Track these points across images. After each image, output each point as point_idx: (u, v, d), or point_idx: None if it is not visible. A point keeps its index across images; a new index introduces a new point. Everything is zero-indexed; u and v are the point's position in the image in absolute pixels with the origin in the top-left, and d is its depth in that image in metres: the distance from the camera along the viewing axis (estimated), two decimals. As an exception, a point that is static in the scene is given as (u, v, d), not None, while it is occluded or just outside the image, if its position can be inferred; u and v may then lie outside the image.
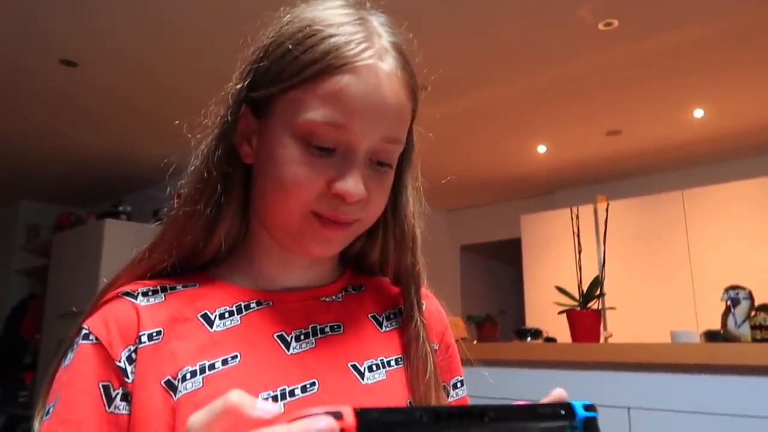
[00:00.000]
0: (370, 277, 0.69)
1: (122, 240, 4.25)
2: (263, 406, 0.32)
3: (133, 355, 0.54)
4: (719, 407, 1.61)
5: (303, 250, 0.58)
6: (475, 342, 2.50)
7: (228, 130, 0.59)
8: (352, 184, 0.54)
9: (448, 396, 0.66)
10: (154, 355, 0.54)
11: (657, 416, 1.71)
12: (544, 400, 0.43)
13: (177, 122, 0.66)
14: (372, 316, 0.65)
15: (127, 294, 0.58)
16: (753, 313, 1.81)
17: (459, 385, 0.68)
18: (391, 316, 0.66)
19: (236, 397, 0.32)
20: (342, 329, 0.61)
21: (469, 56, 3.00)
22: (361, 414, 0.29)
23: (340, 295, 0.65)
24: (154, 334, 0.55)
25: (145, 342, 0.54)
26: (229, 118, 0.58)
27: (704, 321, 3.63)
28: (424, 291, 0.68)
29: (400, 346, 0.63)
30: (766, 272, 3.87)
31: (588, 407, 0.38)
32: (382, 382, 0.59)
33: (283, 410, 0.32)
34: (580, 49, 2.97)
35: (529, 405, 0.36)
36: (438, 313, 0.70)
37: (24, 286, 5.44)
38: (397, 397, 0.59)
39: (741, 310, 1.80)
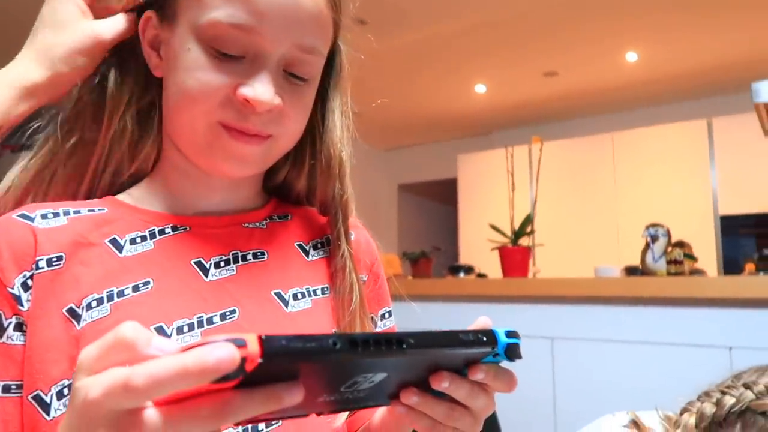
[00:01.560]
0: (297, 206, 0.66)
1: None
2: (158, 344, 0.29)
3: (29, 282, 0.49)
4: (637, 336, 1.71)
5: (214, 167, 0.54)
6: (409, 278, 2.55)
7: (131, 40, 0.55)
8: (260, 89, 0.50)
9: (375, 327, 0.65)
10: (53, 282, 0.50)
11: (578, 345, 1.81)
12: (469, 328, 0.41)
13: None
14: (298, 245, 0.62)
15: (23, 216, 0.52)
16: (669, 248, 1.91)
17: (387, 315, 0.67)
18: (318, 245, 0.63)
19: (129, 331, 0.29)
20: (266, 256, 0.58)
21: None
22: (267, 341, 0.27)
23: (264, 222, 0.61)
24: (54, 259, 0.51)
25: (43, 267, 0.50)
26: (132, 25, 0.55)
27: (627, 257, 3.85)
28: (353, 221, 0.66)
29: (327, 275, 0.61)
30: (684, 211, 4.12)
31: (510, 334, 0.38)
32: (307, 310, 0.57)
33: (180, 346, 0.29)
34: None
35: (451, 332, 0.35)
36: (367, 243, 0.67)
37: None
38: (322, 326, 0.57)
39: (659, 246, 1.90)
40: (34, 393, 0.47)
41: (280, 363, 0.27)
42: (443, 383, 0.37)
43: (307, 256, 0.62)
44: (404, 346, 0.32)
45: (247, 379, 0.27)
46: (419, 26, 3.39)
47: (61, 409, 0.47)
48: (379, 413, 0.54)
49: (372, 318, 0.65)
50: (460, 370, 0.38)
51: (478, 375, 0.38)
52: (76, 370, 0.31)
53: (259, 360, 0.26)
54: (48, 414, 0.47)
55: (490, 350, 0.37)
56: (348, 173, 0.62)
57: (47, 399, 0.47)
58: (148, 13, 0.55)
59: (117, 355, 0.29)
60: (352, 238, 0.64)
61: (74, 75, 0.55)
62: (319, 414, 0.37)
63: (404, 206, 6.38)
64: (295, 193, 0.66)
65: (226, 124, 0.51)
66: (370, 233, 0.69)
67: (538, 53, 3.86)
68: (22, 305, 0.49)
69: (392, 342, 0.31)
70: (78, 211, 0.55)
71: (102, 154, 0.57)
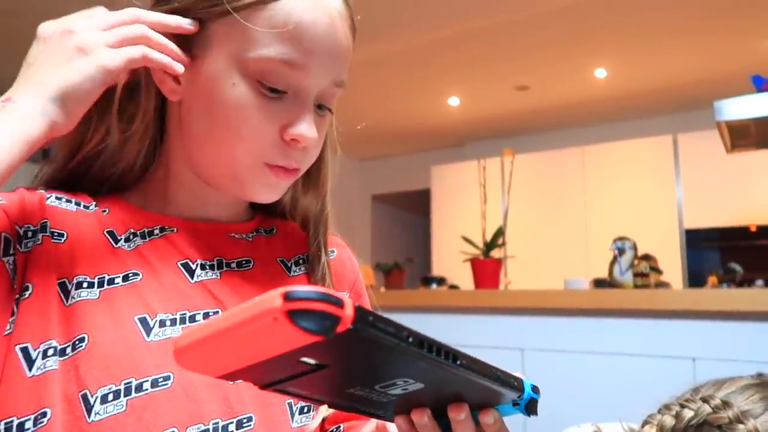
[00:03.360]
0: (281, 220, 0.68)
1: None
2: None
3: (29, 233, 0.51)
4: (604, 347, 1.75)
5: (246, 194, 0.57)
6: (382, 289, 2.55)
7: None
8: (306, 128, 0.52)
9: None
10: (52, 253, 0.51)
11: (548, 356, 1.84)
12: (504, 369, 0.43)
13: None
14: (281, 260, 0.63)
15: (38, 190, 0.55)
16: (636, 261, 1.96)
17: None
18: (300, 261, 0.65)
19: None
20: (251, 265, 0.60)
21: (387, 1, 2.94)
22: (360, 311, 0.26)
23: (250, 235, 0.63)
24: (56, 233, 0.52)
25: (47, 233, 0.52)
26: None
27: (595, 269, 3.91)
28: (337, 240, 0.69)
29: None
30: (650, 224, 4.21)
31: (535, 389, 0.39)
32: None
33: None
34: (494, 3, 2.99)
35: (494, 366, 0.36)
36: (350, 261, 0.69)
37: None
38: None
39: (626, 259, 1.95)
40: (23, 345, 0.48)
41: (359, 337, 0.27)
42: (461, 415, 0.38)
43: (289, 272, 0.63)
44: (458, 362, 0.32)
45: (325, 346, 0.26)
46: (393, 39, 3.42)
47: (41, 369, 0.47)
48: (370, 426, 0.54)
49: None
50: (473, 410, 0.39)
51: (488, 418, 0.38)
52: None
53: (350, 326, 0.26)
54: (30, 370, 0.47)
55: (516, 396, 0.37)
56: (328, 189, 0.65)
57: (33, 355, 0.47)
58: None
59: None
60: (335, 255, 0.66)
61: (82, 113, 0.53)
62: (335, 407, 0.38)
63: (378, 217, 6.39)
64: (280, 208, 0.68)
65: (272, 164, 0.54)
66: (352, 251, 0.71)
67: (511, 68, 3.92)
68: (20, 246, 0.50)
69: (450, 354, 0.32)
70: (87, 207, 0.56)
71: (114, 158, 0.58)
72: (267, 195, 0.57)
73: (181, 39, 0.53)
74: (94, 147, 0.57)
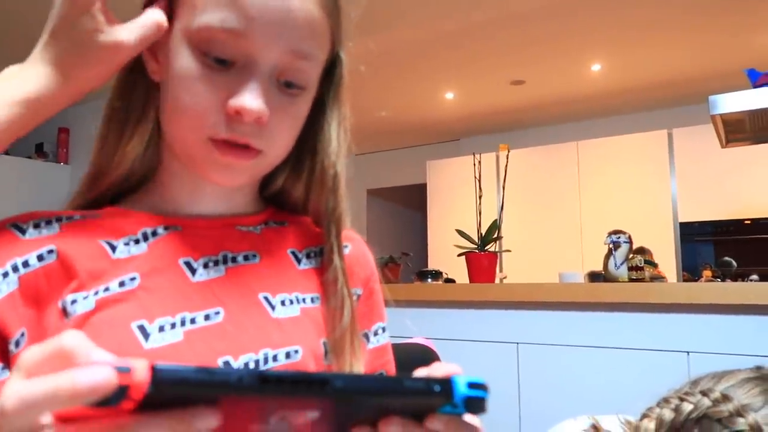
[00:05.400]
0: (293, 215, 0.65)
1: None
2: (99, 356, 0.28)
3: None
4: (599, 341, 1.75)
5: (206, 177, 0.55)
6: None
7: None
8: (248, 99, 0.49)
9: (368, 342, 0.64)
10: (47, 277, 0.50)
11: (542, 350, 1.84)
12: (426, 374, 0.37)
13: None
14: (291, 252, 0.61)
15: (14, 225, 0.52)
16: (631, 255, 1.96)
17: (380, 332, 0.66)
18: (312, 254, 0.62)
19: (69, 341, 0.29)
20: (258, 259, 0.58)
21: (380, -5, 2.93)
22: (159, 371, 0.26)
23: (259, 227, 0.61)
24: (45, 253, 0.51)
25: (32, 265, 0.50)
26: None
27: (590, 262, 3.93)
28: (351, 234, 0.66)
29: (317, 285, 0.60)
30: (645, 218, 4.22)
31: (475, 385, 0.32)
32: (294, 318, 0.56)
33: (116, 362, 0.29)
34: (489, -4, 2.99)
35: (395, 378, 0.32)
36: (364, 256, 0.67)
37: None
38: (309, 335, 0.56)
39: (621, 252, 1.95)
40: None
41: (178, 392, 0.27)
42: (392, 428, 0.33)
43: (299, 264, 0.61)
44: (328, 388, 0.29)
45: (147, 405, 0.26)
46: (389, 33, 3.40)
47: None
48: None
49: (366, 334, 0.64)
50: (422, 416, 0.33)
51: (434, 424, 0.33)
52: (14, 366, 0.30)
53: (148, 389, 0.26)
54: None
55: (445, 401, 0.32)
56: (343, 186, 0.61)
57: None
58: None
59: (54, 363, 0.29)
60: (348, 250, 0.64)
61: (90, 86, 0.53)
62: None
63: (373, 211, 6.38)
64: (292, 201, 0.65)
65: (215, 138, 0.51)
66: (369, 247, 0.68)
67: (506, 62, 3.92)
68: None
69: (315, 382, 0.28)
70: (71, 218, 0.54)
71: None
72: (223, 177, 0.53)
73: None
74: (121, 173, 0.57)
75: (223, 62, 0.50)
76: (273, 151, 0.54)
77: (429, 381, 0.32)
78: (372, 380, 0.31)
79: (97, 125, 0.57)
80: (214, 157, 0.52)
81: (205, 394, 0.27)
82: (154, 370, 0.26)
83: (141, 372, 0.26)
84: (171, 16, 0.52)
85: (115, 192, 0.58)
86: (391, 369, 0.66)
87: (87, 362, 0.28)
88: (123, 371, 0.26)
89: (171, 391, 0.26)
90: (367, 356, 0.62)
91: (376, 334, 0.65)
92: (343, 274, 0.59)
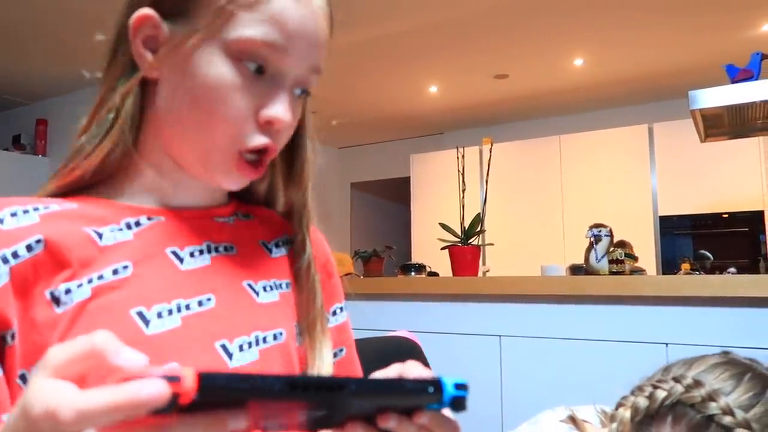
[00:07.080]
0: (255, 207, 0.68)
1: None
2: (128, 355, 0.30)
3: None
4: (580, 333, 1.77)
5: (211, 180, 0.57)
6: (361, 277, 2.55)
7: (124, 33, 0.54)
8: (281, 110, 0.53)
9: (328, 323, 0.67)
10: (35, 267, 0.50)
11: (525, 342, 1.86)
12: (400, 371, 0.43)
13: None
14: (262, 243, 0.64)
15: None
16: (611, 248, 1.99)
17: (339, 311, 0.70)
18: (280, 243, 0.65)
19: (100, 340, 0.30)
20: (235, 251, 0.61)
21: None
22: (206, 378, 0.28)
23: (231, 218, 0.63)
24: (33, 243, 0.51)
25: (21, 256, 0.50)
26: (126, 18, 0.53)
27: (571, 255, 3.97)
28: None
29: (288, 272, 0.64)
30: (625, 212, 4.28)
31: (459, 386, 0.38)
32: (275, 302, 0.60)
33: (147, 361, 0.30)
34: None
35: (396, 380, 0.36)
36: (320, 242, 0.71)
37: None
38: (288, 319, 0.60)
39: (602, 246, 1.97)
40: (20, 373, 0.47)
41: (220, 397, 0.29)
42: (390, 422, 0.38)
43: (271, 254, 0.64)
44: (346, 391, 0.32)
45: (190, 410, 0.28)
46: (372, 26, 3.39)
47: None
48: None
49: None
50: (409, 411, 0.39)
51: (422, 419, 0.38)
52: (39, 364, 0.30)
53: (195, 396, 0.28)
54: None
55: (436, 401, 0.37)
56: (312, 183, 0.65)
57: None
58: (147, 11, 0.53)
59: (84, 362, 0.30)
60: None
61: None
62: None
63: (357, 205, 6.38)
64: (255, 196, 0.68)
65: (243, 149, 0.54)
66: (323, 235, 0.72)
67: (490, 56, 3.93)
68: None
69: (334, 387, 0.32)
70: (48, 207, 0.54)
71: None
72: (231, 185, 0.57)
73: (163, 13, 0.53)
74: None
75: (261, 71, 0.53)
76: (278, 149, 0.58)
77: (424, 383, 0.37)
78: (379, 382, 0.35)
79: (78, 116, 0.57)
80: (230, 170, 0.55)
81: (237, 397, 0.30)
82: (201, 378, 0.28)
83: (189, 380, 0.28)
84: (189, 17, 0.52)
85: (88, 182, 0.57)
86: (351, 345, 0.71)
87: (118, 360, 0.29)
88: (173, 380, 0.28)
89: (213, 396, 0.29)
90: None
91: (335, 313, 0.70)
92: (314, 264, 0.64)
